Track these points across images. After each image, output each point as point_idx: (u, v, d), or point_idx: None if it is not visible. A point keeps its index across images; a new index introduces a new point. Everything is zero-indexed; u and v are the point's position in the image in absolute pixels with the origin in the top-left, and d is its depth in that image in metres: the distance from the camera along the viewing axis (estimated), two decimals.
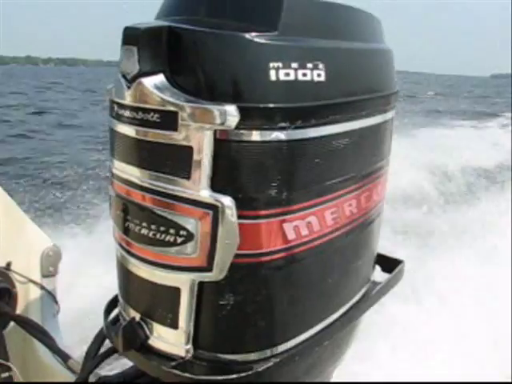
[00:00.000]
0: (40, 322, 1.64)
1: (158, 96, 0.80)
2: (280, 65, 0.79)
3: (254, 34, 0.80)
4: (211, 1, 0.88)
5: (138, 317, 0.93)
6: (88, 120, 17.63)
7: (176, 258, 0.84)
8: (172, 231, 0.83)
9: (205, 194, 0.80)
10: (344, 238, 0.94)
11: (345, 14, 0.95)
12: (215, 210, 0.80)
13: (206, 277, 0.83)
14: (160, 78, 0.80)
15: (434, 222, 5.39)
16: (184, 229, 0.82)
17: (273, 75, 0.79)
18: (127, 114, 0.84)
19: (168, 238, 0.83)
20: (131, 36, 0.81)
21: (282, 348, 0.90)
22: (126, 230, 0.89)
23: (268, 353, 0.89)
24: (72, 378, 1.46)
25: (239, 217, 0.80)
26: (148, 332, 0.91)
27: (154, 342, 0.91)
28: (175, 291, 0.85)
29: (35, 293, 1.69)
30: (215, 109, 0.77)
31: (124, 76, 0.84)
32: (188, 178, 0.80)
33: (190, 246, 0.82)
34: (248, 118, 0.78)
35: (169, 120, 0.79)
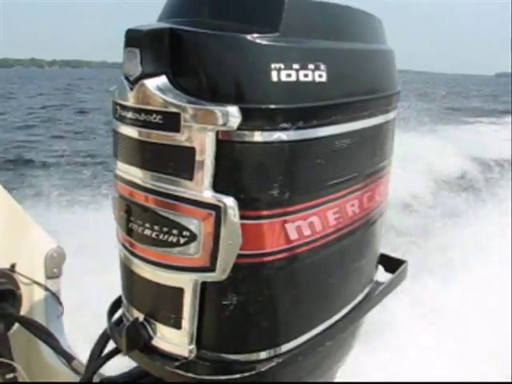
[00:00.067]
0: (44, 323, 1.64)
1: (160, 97, 0.80)
2: (281, 66, 0.80)
3: (255, 35, 0.80)
4: (213, 2, 0.88)
5: (141, 317, 0.93)
6: None
7: (179, 258, 0.84)
8: (175, 232, 0.83)
9: (207, 194, 0.80)
10: (346, 239, 0.94)
11: (346, 15, 0.95)
12: (218, 210, 0.80)
13: (209, 277, 0.83)
14: (162, 80, 0.81)
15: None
16: (187, 229, 0.82)
17: (274, 76, 0.79)
18: (130, 115, 0.85)
19: (171, 238, 0.84)
20: (133, 38, 0.82)
21: (284, 348, 0.90)
22: (129, 231, 0.90)
23: (271, 353, 0.89)
24: (76, 378, 1.46)
25: (241, 217, 0.81)
26: (151, 332, 0.91)
27: (157, 342, 0.91)
28: (178, 291, 0.86)
29: (39, 294, 1.69)
30: (217, 110, 0.78)
31: (127, 78, 0.85)
32: (190, 178, 0.81)
33: (192, 247, 0.83)
34: (250, 118, 0.79)
35: (171, 121, 0.80)
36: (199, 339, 0.88)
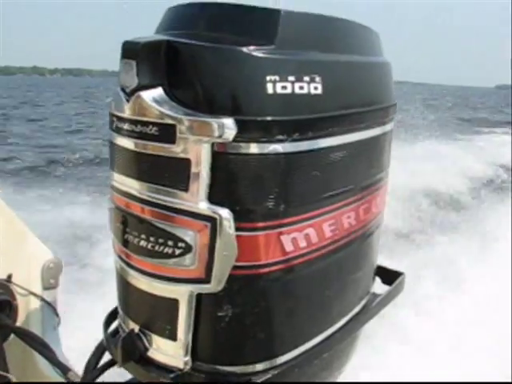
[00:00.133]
0: (40, 334, 1.63)
1: (156, 109, 0.80)
2: (277, 78, 0.80)
3: (251, 47, 0.80)
4: (210, 15, 0.89)
5: (137, 328, 0.93)
6: None
7: (174, 269, 0.84)
8: (170, 243, 0.83)
9: (203, 206, 0.80)
10: (343, 250, 0.94)
11: (342, 28, 0.96)
12: (213, 222, 0.80)
13: (204, 288, 0.83)
14: (158, 92, 0.81)
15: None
16: (182, 241, 0.82)
17: (270, 88, 0.80)
18: (126, 127, 0.85)
19: (166, 249, 0.84)
20: (130, 50, 0.82)
21: (280, 360, 0.90)
22: (125, 242, 0.90)
23: (267, 364, 0.89)
24: None
25: (237, 229, 0.81)
26: (147, 344, 0.91)
27: (153, 353, 0.91)
28: (174, 303, 0.86)
29: (36, 305, 1.68)
30: (213, 122, 0.78)
31: (123, 89, 0.85)
32: (186, 190, 0.81)
33: (188, 258, 0.83)
34: (245, 130, 0.79)
35: (167, 133, 0.80)
36: (194, 351, 0.87)
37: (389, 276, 1.18)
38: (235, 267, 0.82)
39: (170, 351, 0.89)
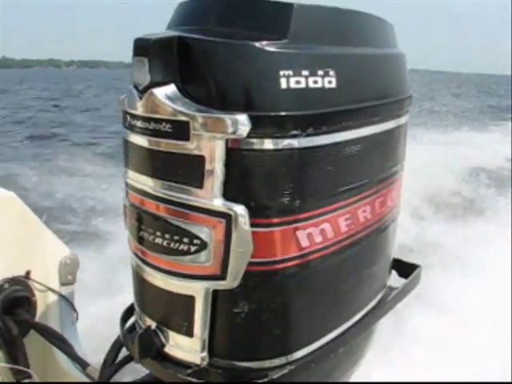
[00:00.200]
0: (59, 329, 1.65)
1: (169, 106, 0.80)
2: (290, 73, 0.80)
3: (264, 42, 0.80)
4: (221, 10, 0.88)
5: (153, 325, 0.93)
6: None
7: (190, 266, 0.84)
8: (186, 240, 0.83)
9: (218, 202, 0.80)
10: (358, 245, 0.93)
11: (355, 20, 0.94)
12: (228, 218, 0.80)
13: (220, 285, 0.83)
14: (171, 88, 0.81)
15: None
16: (198, 238, 0.82)
17: (283, 83, 0.79)
18: (140, 124, 0.85)
19: (182, 246, 0.84)
20: (142, 47, 0.82)
21: (296, 355, 0.89)
22: (140, 240, 0.90)
23: (283, 360, 0.89)
24: None
25: (252, 225, 0.81)
26: (164, 340, 0.92)
27: (169, 349, 0.91)
28: (190, 299, 0.86)
29: (54, 301, 1.70)
30: (227, 118, 0.78)
31: (136, 87, 0.85)
32: (201, 187, 0.81)
33: (203, 255, 0.83)
34: (259, 126, 0.79)
35: (181, 130, 0.80)
36: (211, 347, 0.88)
37: (405, 269, 1.17)
38: (251, 263, 0.82)
39: (186, 347, 0.89)
